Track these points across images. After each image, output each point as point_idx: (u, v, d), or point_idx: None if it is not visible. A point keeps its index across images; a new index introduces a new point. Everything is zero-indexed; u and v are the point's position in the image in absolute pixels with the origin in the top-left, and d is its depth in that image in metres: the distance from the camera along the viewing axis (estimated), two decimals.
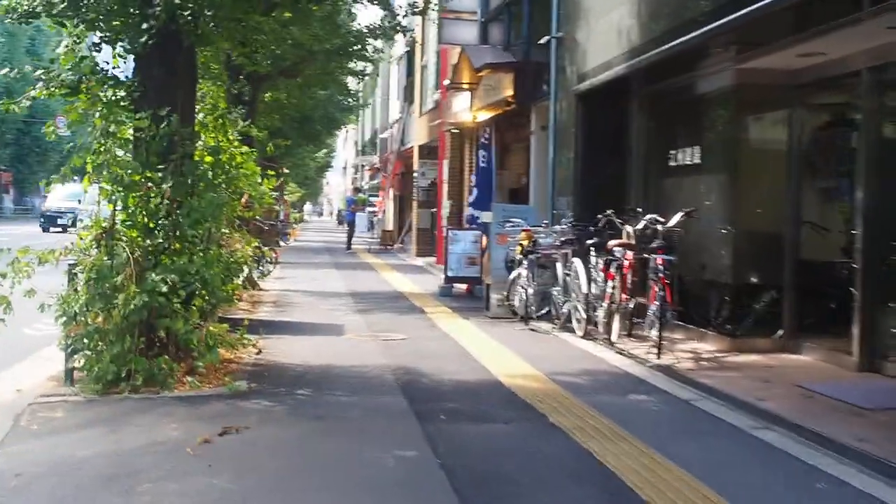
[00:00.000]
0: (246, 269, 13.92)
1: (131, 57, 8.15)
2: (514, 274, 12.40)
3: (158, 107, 7.65)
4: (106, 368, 7.17)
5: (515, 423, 6.64)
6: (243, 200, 8.85)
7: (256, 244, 16.52)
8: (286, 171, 11.29)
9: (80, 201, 30.70)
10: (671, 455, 5.76)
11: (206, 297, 7.80)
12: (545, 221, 12.44)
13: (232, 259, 8.63)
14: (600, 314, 10.13)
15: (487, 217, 13.23)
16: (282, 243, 31.51)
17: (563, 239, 11.47)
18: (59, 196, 35.75)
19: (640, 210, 10.21)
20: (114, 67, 7.97)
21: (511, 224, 12.55)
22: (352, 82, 21.89)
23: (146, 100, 7.82)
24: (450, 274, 15.96)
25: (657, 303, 8.97)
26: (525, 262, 11.66)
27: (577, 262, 10.87)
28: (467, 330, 11.52)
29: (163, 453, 5.64)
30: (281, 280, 18.36)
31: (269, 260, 19.03)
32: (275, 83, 18.12)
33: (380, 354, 9.45)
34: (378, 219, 36.69)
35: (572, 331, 11.09)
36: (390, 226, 35.23)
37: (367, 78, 21.09)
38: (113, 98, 7.78)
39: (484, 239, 16.24)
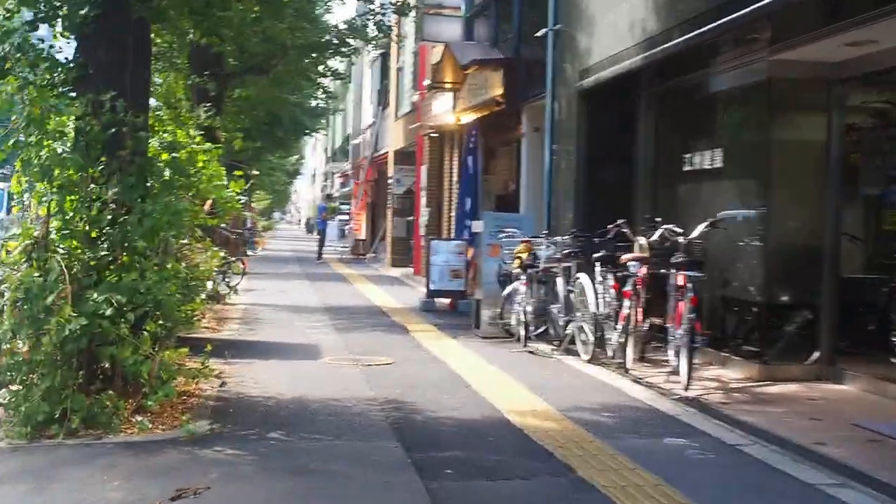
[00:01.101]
0: (210, 283, 12.65)
1: (74, 38, 6.89)
2: (508, 289, 11.20)
3: (102, 91, 6.39)
4: (36, 408, 5.90)
5: (538, 478, 5.42)
6: (206, 206, 7.58)
7: (223, 255, 15.23)
8: (256, 172, 10.09)
9: None
10: None
11: (161, 321, 6.53)
12: (545, 231, 11.25)
13: (192, 275, 7.36)
14: (613, 337, 8.94)
15: (478, 226, 12.02)
16: (249, 252, 30.14)
17: (566, 251, 10.28)
18: None
19: (658, 220, 9.03)
20: (51, 47, 6.68)
21: (506, 234, 11.35)
22: (326, 83, 20.59)
23: (89, 84, 6.55)
24: (432, 287, 14.76)
25: (685, 326, 7.80)
26: (523, 277, 10.46)
27: (584, 278, 9.69)
28: (458, 352, 10.30)
29: None
30: (249, 293, 17.03)
31: (235, 272, 17.75)
32: (243, 80, 16.84)
33: (363, 383, 8.22)
34: (349, 227, 35.32)
35: (576, 353, 9.91)
36: (363, 234, 33.93)
37: (342, 80, 19.78)
38: (49, 81, 6.50)
39: (469, 250, 15.09)
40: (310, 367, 9.12)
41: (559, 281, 10.47)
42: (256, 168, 35.82)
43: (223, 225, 17.67)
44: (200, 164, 7.36)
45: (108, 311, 5.94)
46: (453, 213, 19.29)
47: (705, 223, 8.53)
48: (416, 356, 9.94)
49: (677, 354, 8.14)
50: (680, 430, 6.66)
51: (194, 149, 7.24)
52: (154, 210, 6.40)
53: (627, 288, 8.63)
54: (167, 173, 6.89)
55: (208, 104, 14.02)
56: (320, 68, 17.89)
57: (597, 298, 9.43)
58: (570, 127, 11.56)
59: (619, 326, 8.83)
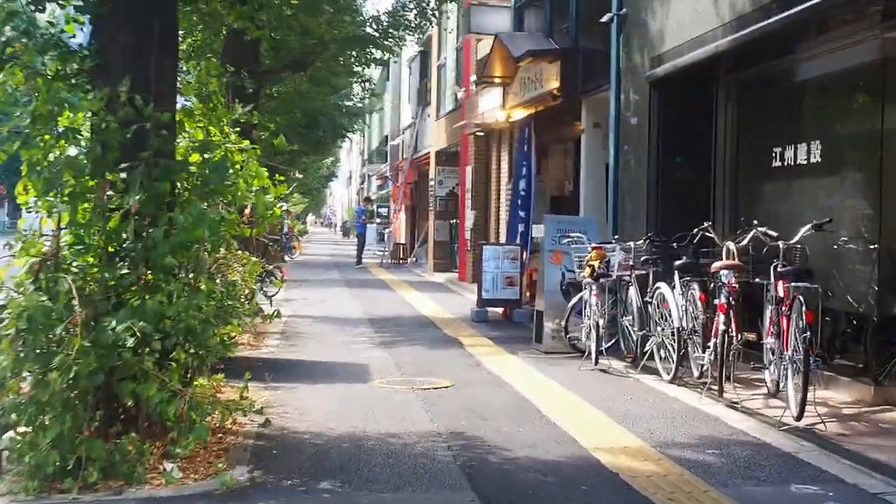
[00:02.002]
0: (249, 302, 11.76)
1: (88, 20, 5.97)
2: (574, 300, 10.16)
3: (122, 82, 5.46)
4: (44, 457, 4.98)
5: None
6: (246, 213, 6.63)
7: (262, 266, 14.29)
8: (300, 175, 9.18)
9: None
10: None
11: (192, 350, 5.59)
12: (615, 236, 10.20)
13: (229, 293, 6.40)
14: (705, 356, 7.86)
15: (538, 231, 10.99)
16: (286, 258, 29.24)
17: (643, 258, 9.23)
18: None
19: (755, 222, 7.93)
20: (62, 32, 5.77)
21: (570, 239, 10.31)
22: (369, 72, 19.40)
23: (106, 74, 5.63)
24: (485, 296, 13.73)
25: (796, 345, 6.73)
26: (594, 287, 9.41)
27: (665, 288, 8.64)
28: (522, 371, 9.29)
29: None
30: (288, 302, 16.15)
31: (276, 285, 16.86)
32: (280, 78, 15.94)
33: (422, 412, 7.23)
34: (389, 231, 34.33)
35: (654, 372, 8.87)
36: (402, 238, 32.98)
37: (384, 64, 18.70)
38: (60, 72, 5.59)
39: (524, 255, 14.09)
40: (359, 391, 8.15)
41: (632, 291, 9.43)
42: (293, 171, 34.98)
43: (262, 234, 16.86)
44: (237, 166, 6.39)
45: (130, 342, 5.00)
46: (502, 216, 18.31)
47: (808, 225, 7.45)
48: (475, 377, 8.94)
49: (783, 377, 7.08)
50: (806, 474, 5.59)
51: (230, 148, 6.29)
52: (184, 220, 5.46)
53: (722, 300, 7.55)
54: (199, 179, 5.93)
55: (244, 103, 13.16)
56: (361, 63, 16.93)
57: (679, 311, 8.38)
58: (639, 120, 10.50)
59: (711, 343, 7.76)
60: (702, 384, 8.18)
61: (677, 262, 8.67)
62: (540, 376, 8.96)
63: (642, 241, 9.54)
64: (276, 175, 6.71)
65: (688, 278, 8.49)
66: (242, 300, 7.02)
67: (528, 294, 14.19)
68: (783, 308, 7.05)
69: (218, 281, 6.70)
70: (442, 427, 6.71)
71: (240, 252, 6.75)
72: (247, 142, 6.69)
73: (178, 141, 6.26)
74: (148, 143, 5.55)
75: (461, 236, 21.08)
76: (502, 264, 13.78)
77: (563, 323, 10.26)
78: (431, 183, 25.20)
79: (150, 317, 5.24)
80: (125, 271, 5.37)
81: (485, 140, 19.77)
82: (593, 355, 9.41)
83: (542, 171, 15.89)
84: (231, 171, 6.15)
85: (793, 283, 6.90)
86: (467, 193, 20.60)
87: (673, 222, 9.85)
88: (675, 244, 9.14)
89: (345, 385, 8.46)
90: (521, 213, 14.97)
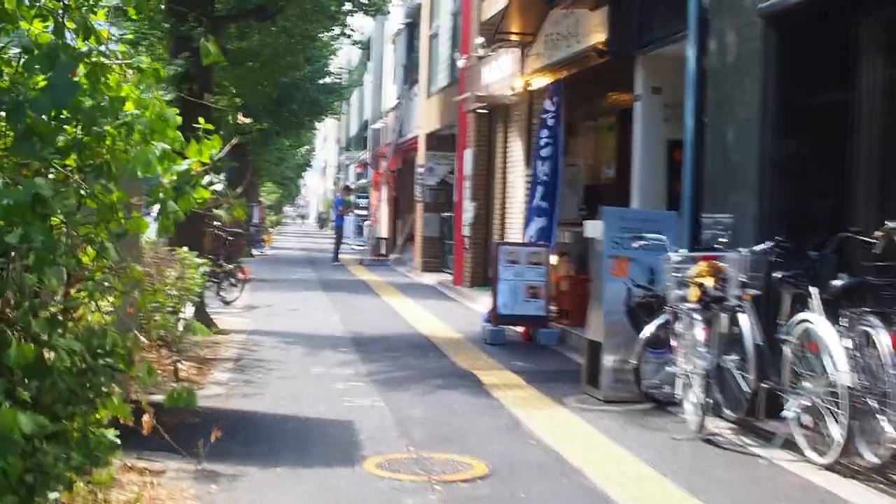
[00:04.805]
0: (188, 309, 8.70)
1: None
2: (650, 329, 7.09)
3: None
4: None
5: None
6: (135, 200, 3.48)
7: (216, 267, 11.18)
8: (244, 119, 6.60)
9: None
10: None
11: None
12: (721, 239, 7.06)
13: (94, 348, 3.22)
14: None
15: (594, 229, 7.89)
16: (254, 252, 26.07)
17: (778, 275, 6.14)
18: None
19: None
20: None
21: (645, 242, 7.23)
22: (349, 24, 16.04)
23: None
24: (502, 311, 10.65)
25: None
26: (699, 317, 6.30)
27: (818, 322, 5.59)
28: (589, 441, 6.20)
29: None
30: (250, 311, 13.07)
31: (233, 282, 13.76)
32: (240, 30, 12.76)
33: None
34: (369, 224, 31.20)
35: (791, 446, 5.84)
36: (384, 232, 29.82)
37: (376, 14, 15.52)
38: None
39: (552, 259, 11.05)
40: (346, 488, 5.03)
41: (744, 320, 6.35)
42: (265, 157, 31.68)
43: (216, 223, 13.67)
44: (121, 95, 3.24)
45: None
46: (508, 209, 15.26)
47: None
48: (520, 452, 5.85)
49: None
50: None
51: (106, 64, 3.15)
52: None
53: None
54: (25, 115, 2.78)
55: (188, 56, 10.04)
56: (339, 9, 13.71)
57: (848, 360, 5.34)
58: (740, 74, 7.38)
59: None
60: (881, 475, 5.19)
61: (837, 283, 5.62)
62: (621, 453, 5.87)
63: (763, 247, 6.45)
64: (199, 121, 3.53)
65: (860, 310, 5.44)
66: (128, 355, 3.74)
67: (555, 309, 11.16)
68: None
69: (91, 314, 3.56)
70: None
71: (132, 265, 3.59)
72: (147, 61, 3.50)
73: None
74: None
75: (457, 232, 17.96)
76: (524, 271, 10.74)
77: (634, 362, 7.15)
78: (419, 170, 22.08)
79: None
80: None
81: (487, 119, 16.66)
82: (693, 419, 6.32)
83: (571, 152, 12.81)
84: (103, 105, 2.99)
85: None
86: (465, 182, 17.45)
87: (792, 219, 6.86)
88: (814, 253, 6.11)
89: (322, 471, 5.33)
90: (544, 205, 11.88)
